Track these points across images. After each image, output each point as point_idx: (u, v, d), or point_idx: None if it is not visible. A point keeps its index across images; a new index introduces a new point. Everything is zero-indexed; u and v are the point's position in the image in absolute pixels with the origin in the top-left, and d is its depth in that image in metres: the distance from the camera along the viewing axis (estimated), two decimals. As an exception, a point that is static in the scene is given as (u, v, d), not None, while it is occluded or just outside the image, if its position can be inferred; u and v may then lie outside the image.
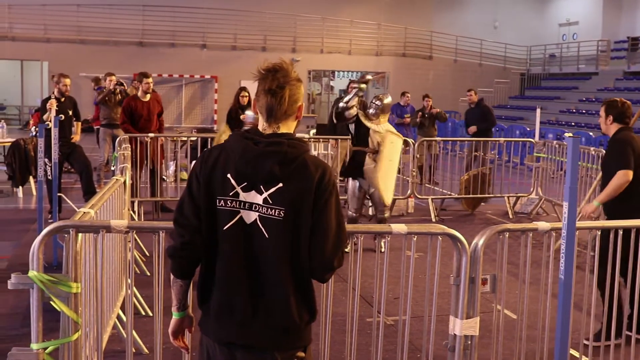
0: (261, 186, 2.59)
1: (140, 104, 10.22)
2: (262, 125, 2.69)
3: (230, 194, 2.61)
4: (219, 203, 2.62)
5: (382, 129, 8.13)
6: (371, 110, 8.14)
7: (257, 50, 28.45)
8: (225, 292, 2.63)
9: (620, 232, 4.38)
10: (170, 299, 2.82)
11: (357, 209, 8.52)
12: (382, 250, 3.87)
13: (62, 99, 9.70)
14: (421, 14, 31.13)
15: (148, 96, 10.30)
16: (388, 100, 8.25)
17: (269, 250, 2.58)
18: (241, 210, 2.60)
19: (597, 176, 10.46)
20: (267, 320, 2.60)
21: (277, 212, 2.57)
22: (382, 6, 30.67)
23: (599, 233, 4.67)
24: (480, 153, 12.33)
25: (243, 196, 2.60)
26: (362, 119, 8.14)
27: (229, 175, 2.61)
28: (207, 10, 27.08)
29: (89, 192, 9.61)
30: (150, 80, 10.27)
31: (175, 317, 2.84)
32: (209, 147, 8.14)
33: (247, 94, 11.21)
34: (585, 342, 4.88)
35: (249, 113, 7.82)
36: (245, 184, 2.60)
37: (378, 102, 8.13)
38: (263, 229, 2.59)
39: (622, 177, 5.50)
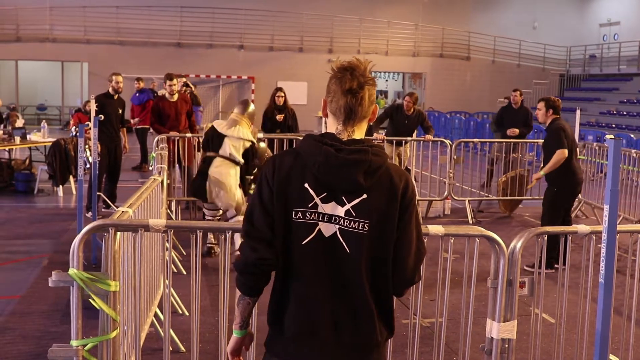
0: (343, 197, 2.40)
1: (168, 105, 10.51)
2: (334, 127, 2.49)
3: (309, 205, 2.41)
4: (296, 215, 2.42)
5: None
6: None
7: (294, 51, 28.59)
8: (305, 311, 2.44)
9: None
10: (207, 299, 2.77)
11: None
12: None
13: (115, 97, 10.32)
14: (459, 14, 30.94)
15: (175, 96, 10.60)
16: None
17: (351, 264, 2.42)
18: (319, 223, 2.41)
19: (638, 179, 10.30)
20: (353, 338, 2.44)
21: (360, 225, 2.40)
22: (419, 7, 30.55)
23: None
24: (518, 155, 12.13)
25: (322, 207, 2.41)
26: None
27: (306, 185, 2.41)
28: (244, 12, 27.26)
29: (111, 196, 10.14)
30: (174, 82, 10.60)
31: (236, 335, 2.59)
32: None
33: (283, 94, 11.26)
34: None
35: None
36: (325, 194, 2.41)
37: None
38: (344, 243, 2.41)
39: (560, 154, 7.53)
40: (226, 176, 7.60)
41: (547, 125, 7.80)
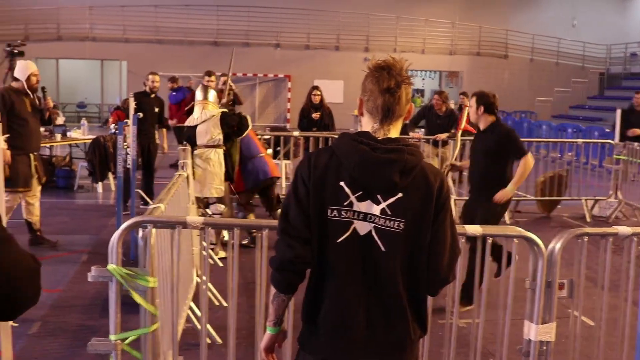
0: (379, 196, 2.41)
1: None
2: (370, 126, 2.48)
3: (345, 203, 2.41)
4: (331, 213, 2.42)
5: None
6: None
7: (330, 50, 28.59)
8: (340, 308, 2.45)
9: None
10: (244, 296, 2.78)
11: None
12: None
13: (152, 95, 10.56)
14: (496, 12, 30.61)
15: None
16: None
17: (386, 263, 2.42)
18: (354, 221, 2.42)
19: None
20: (386, 337, 2.45)
21: (395, 224, 2.41)
22: (457, 5, 30.30)
23: None
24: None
25: (357, 206, 2.41)
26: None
27: (342, 183, 2.41)
28: (281, 10, 27.32)
29: (148, 193, 10.34)
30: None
31: (270, 332, 2.61)
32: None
33: (319, 93, 11.29)
34: None
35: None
36: (361, 192, 2.41)
37: None
38: (379, 242, 2.42)
39: (530, 160, 6.18)
40: (208, 160, 7.82)
41: (486, 127, 6.32)
